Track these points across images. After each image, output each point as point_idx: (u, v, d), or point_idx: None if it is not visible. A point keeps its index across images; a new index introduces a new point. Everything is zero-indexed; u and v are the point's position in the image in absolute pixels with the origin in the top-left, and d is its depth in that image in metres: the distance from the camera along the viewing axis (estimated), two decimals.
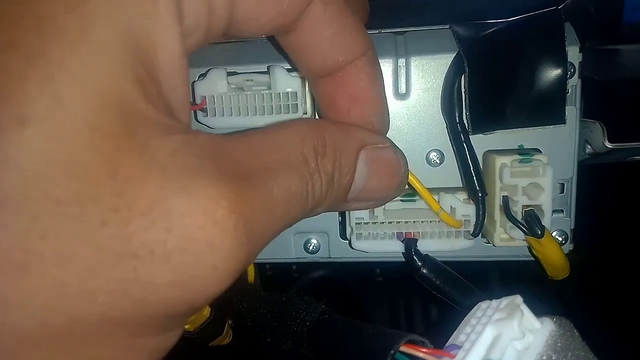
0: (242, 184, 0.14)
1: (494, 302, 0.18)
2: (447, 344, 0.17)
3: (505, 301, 0.18)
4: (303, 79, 0.26)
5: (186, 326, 0.22)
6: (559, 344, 0.17)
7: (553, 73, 0.24)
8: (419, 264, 0.26)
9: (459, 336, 0.17)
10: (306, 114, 0.26)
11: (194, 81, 0.26)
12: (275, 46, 0.26)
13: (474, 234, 0.26)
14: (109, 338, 0.13)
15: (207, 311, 0.23)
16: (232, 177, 0.14)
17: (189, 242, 0.13)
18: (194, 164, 0.14)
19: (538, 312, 0.18)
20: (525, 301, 0.18)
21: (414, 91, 0.26)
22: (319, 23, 0.19)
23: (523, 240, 0.26)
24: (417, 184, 0.25)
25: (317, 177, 0.17)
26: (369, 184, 0.20)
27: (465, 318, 0.18)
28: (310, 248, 0.29)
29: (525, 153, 0.25)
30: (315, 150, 0.17)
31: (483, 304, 0.19)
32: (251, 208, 0.14)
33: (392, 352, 0.17)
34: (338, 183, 0.19)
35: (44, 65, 0.12)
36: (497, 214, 0.26)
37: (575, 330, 0.18)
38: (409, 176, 0.24)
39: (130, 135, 0.13)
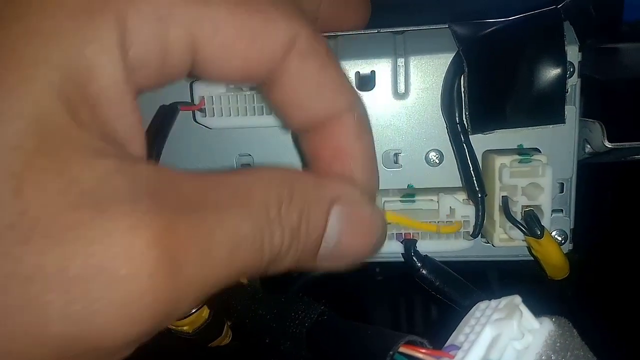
0: (177, 218, 0.13)
1: (493, 302, 0.18)
2: (446, 344, 0.17)
3: (504, 301, 0.18)
4: None
5: (184, 327, 0.22)
6: (558, 344, 0.17)
7: (552, 72, 0.24)
8: (419, 264, 0.26)
9: (458, 336, 0.17)
10: None
11: (193, 82, 0.26)
12: None
13: (474, 235, 0.26)
14: None
15: (205, 312, 0.23)
16: (167, 209, 0.13)
17: (95, 272, 0.12)
18: (122, 190, 0.12)
19: (537, 312, 0.18)
20: (525, 301, 0.18)
21: (413, 91, 0.26)
22: (298, 78, 0.18)
23: (522, 240, 0.26)
24: (408, 222, 0.25)
25: (277, 227, 0.16)
26: (341, 242, 0.18)
27: (464, 318, 0.18)
28: None
29: (524, 153, 0.25)
30: (279, 198, 0.16)
31: (482, 304, 0.18)
32: (182, 245, 0.13)
33: (391, 352, 0.17)
34: (305, 238, 0.17)
35: None
36: (497, 214, 0.26)
37: (575, 330, 0.18)
38: (398, 219, 0.24)
39: (48, 156, 0.12)
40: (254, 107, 0.25)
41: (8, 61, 0.13)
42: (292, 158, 0.27)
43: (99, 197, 0.12)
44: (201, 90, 0.25)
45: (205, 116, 0.25)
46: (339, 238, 0.18)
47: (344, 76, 0.20)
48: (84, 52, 0.13)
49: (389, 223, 0.25)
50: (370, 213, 0.19)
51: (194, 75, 0.17)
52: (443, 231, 0.26)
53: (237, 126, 0.25)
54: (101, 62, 0.14)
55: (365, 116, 0.20)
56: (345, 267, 0.19)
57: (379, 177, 0.22)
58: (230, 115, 0.25)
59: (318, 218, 0.17)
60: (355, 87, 0.26)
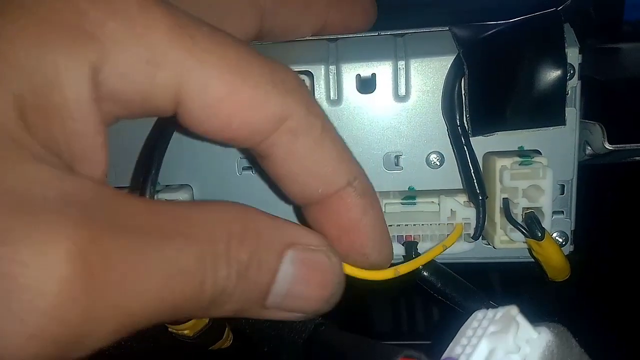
0: (106, 236, 0.12)
1: (490, 313, 0.18)
2: (444, 356, 0.17)
3: (500, 312, 0.18)
4: (303, 82, 0.25)
5: (185, 331, 0.22)
6: (556, 355, 0.17)
7: (553, 75, 0.24)
8: (420, 267, 0.26)
9: (455, 348, 0.17)
10: None
11: None
12: (275, 51, 0.26)
13: (475, 237, 0.26)
14: None
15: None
16: (96, 225, 0.12)
17: (1, 277, 0.11)
18: (51, 198, 0.12)
19: (538, 314, 0.18)
20: (524, 304, 0.18)
21: (414, 93, 0.26)
22: (290, 155, 0.18)
23: (523, 242, 0.26)
24: (412, 265, 0.24)
25: (224, 263, 0.15)
26: (293, 290, 0.17)
27: (461, 329, 0.18)
28: None
29: (525, 155, 0.25)
30: (230, 234, 0.15)
31: (479, 314, 0.18)
32: (106, 265, 0.12)
33: None
34: (254, 280, 0.16)
35: None
36: (498, 216, 0.26)
37: (573, 339, 0.18)
38: (402, 268, 0.23)
39: None
40: None
41: None
42: None
43: (24, 201, 0.11)
44: None
45: None
46: (291, 286, 0.17)
47: (342, 150, 0.19)
48: (52, 61, 0.13)
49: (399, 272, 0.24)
50: (328, 263, 0.18)
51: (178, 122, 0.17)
52: (448, 245, 0.25)
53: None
54: (68, 76, 0.14)
55: (369, 188, 0.20)
56: (295, 319, 0.18)
57: (392, 250, 0.21)
58: None
59: (270, 261, 0.16)
60: (356, 89, 0.26)
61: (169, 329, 0.22)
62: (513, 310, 0.17)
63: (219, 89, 0.16)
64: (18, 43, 0.13)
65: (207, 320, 0.23)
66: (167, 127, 0.23)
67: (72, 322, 0.11)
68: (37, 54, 0.13)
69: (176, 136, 0.25)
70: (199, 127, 0.17)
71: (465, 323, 0.18)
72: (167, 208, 0.14)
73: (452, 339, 0.17)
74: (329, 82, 0.26)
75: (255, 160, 0.19)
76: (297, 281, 0.17)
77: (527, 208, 0.25)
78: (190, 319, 0.22)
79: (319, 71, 0.26)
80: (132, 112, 0.16)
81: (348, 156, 0.19)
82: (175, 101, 0.16)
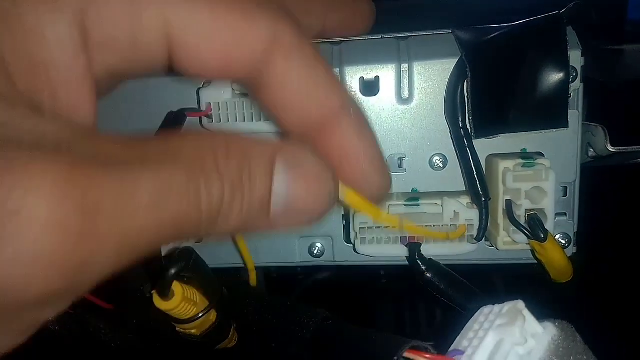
0: (93, 165, 0.12)
1: (497, 307, 0.18)
2: (450, 349, 0.17)
3: (507, 306, 0.18)
4: None
5: (193, 331, 0.23)
6: (561, 349, 0.17)
7: (555, 77, 0.24)
8: (423, 268, 0.26)
9: (462, 341, 0.17)
10: None
11: (199, 88, 0.26)
12: None
13: (478, 238, 0.26)
14: None
15: (213, 316, 0.23)
16: (85, 158, 0.12)
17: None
18: (37, 137, 0.12)
19: (541, 316, 0.18)
20: (529, 304, 0.18)
21: (417, 96, 0.27)
22: (285, 78, 0.18)
23: (526, 244, 0.26)
24: (421, 231, 0.25)
25: (215, 178, 0.15)
26: (293, 194, 0.17)
27: (468, 323, 0.18)
28: (315, 252, 0.29)
29: (528, 157, 0.25)
30: (214, 152, 0.15)
31: (485, 309, 0.19)
32: (96, 190, 0.12)
33: (395, 358, 0.17)
34: (250, 193, 0.16)
35: None
36: (501, 218, 0.26)
37: (578, 335, 0.18)
38: (414, 229, 0.24)
39: None
40: (260, 112, 0.25)
41: None
42: None
43: (7, 140, 0.12)
44: (208, 96, 0.26)
45: (212, 122, 0.26)
46: (289, 192, 0.17)
47: (333, 76, 0.19)
48: (33, 10, 0.14)
49: (404, 231, 0.25)
50: (318, 163, 0.18)
51: (175, 71, 0.17)
52: (452, 237, 0.26)
53: (243, 132, 0.26)
54: (50, 25, 0.14)
55: (362, 114, 0.20)
56: (305, 224, 0.18)
57: (390, 175, 0.21)
58: (236, 120, 0.26)
59: (261, 172, 0.16)
60: (359, 92, 0.27)
61: (177, 329, 0.23)
62: (520, 304, 0.18)
63: (208, 18, 0.16)
64: None
65: (213, 320, 0.23)
66: (176, 122, 0.23)
67: (78, 250, 0.12)
68: (16, 4, 0.14)
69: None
70: (196, 65, 0.17)
71: (472, 318, 0.18)
72: (151, 138, 0.15)
73: (458, 335, 0.18)
74: None
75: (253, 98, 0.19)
76: (294, 184, 0.17)
77: (530, 210, 0.25)
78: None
79: None
80: (124, 59, 0.16)
81: (339, 83, 0.19)
82: (167, 42, 0.16)
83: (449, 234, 0.26)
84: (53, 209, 0.11)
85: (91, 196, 0.12)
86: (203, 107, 0.26)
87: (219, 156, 0.15)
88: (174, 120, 0.24)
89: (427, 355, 0.17)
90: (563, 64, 0.24)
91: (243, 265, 0.29)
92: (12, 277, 0.11)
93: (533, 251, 0.26)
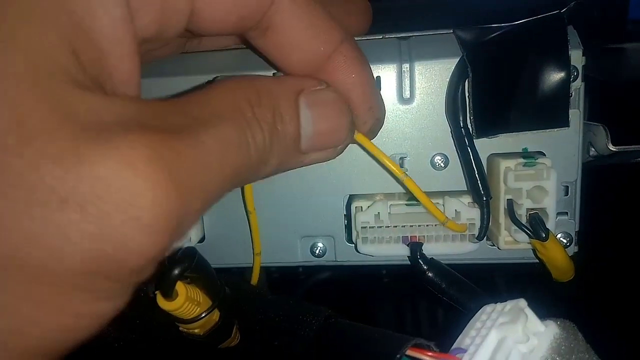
0: (168, 135, 0.14)
1: (499, 306, 0.19)
2: (453, 347, 0.17)
3: (509, 305, 0.18)
4: None
5: (196, 330, 0.23)
6: (562, 347, 0.17)
7: (556, 77, 0.24)
8: (425, 267, 0.26)
9: (464, 340, 0.18)
10: None
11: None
12: None
13: (479, 238, 0.26)
14: (28, 292, 0.13)
15: (216, 315, 0.23)
16: (157, 129, 0.14)
17: (104, 190, 0.12)
18: (115, 117, 0.13)
19: (543, 315, 0.18)
20: (530, 303, 0.18)
21: (418, 95, 0.27)
22: (290, 17, 0.19)
23: (528, 243, 0.26)
24: (422, 197, 0.25)
25: (257, 126, 0.17)
26: (318, 128, 0.19)
27: (470, 322, 0.18)
28: (317, 252, 0.29)
29: (529, 156, 0.26)
30: (249, 101, 0.17)
31: (488, 308, 0.19)
32: (178, 156, 0.14)
33: (398, 356, 0.17)
34: (283, 132, 0.18)
35: None
36: (502, 217, 0.26)
37: (579, 333, 0.18)
38: (414, 186, 0.24)
39: (47, 89, 0.13)
40: None
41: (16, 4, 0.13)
42: None
43: (94, 124, 0.13)
44: None
45: None
46: (314, 124, 0.19)
47: (330, 14, 0.20)
48: None
49: (405, 183, 0.25)
50: (335, 95, 0.20)
51: (190, 30, 0.18)
52: (451, 228, 0.26)
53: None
54: (102, 3, 0.15)
55: (358, 47, 0.21)
56: (331, 156, 0.21)
57: (383, 103, 0.23)
58: None
59: (289, 110, 0.18)
60: None
61: (180, 328, 0.23)
62: (522, 302, 0.18)
63: None
64: None
65: (217, 319, 0.23)
66: None
67: (174, 209, 0.13)
68: None
69: None
70: (214, 19, 0.18)
71: (474, 316, 0.18)
72: (194, 99, 0.16)
73: (460, 334, 0.18)
74: None
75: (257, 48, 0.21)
76: (318, 119, 0.19)
77: (532, 209, 0.25)
78: (201, 319, 0.22)
79: None
80: (152, 27, 0.17)
81: (335, 20, 0.21)
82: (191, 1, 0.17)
83: (449, 222, 0.26)
84: (154, 182, 0.13)
85: (177, 164, 0.14)
86: None
87: (253, 104, 0.17)
88: None
89: (430, 353, 0.17)
90: (564, 63, 0.24)
91: (246, 266, 0.29)
92: (129, 241, 0.13)
93: (534, 250, 0.26)
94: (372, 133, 0.24)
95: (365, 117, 0.22)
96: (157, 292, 0.21)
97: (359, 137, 0.23)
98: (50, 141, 0.12)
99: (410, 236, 0.27)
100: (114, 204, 0.12)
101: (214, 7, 0.18)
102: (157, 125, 0.14)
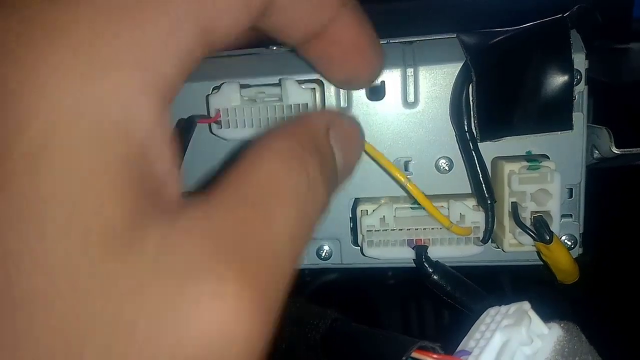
0: (240, 254, 0.13)
1: (503, 308, 0.19)
2: (457, 349, 0.18)
3: (513, 307, 0.19)
4: (314, 90, 0.26)
5: None
6: (566, 349, 0.17)
7: (560, 80, 0.25)
8: (430, 270, 0.26)
9: (469, 342, 0.18)
10: None
11: (208, 94, 0.26)
12: (287, 59, 0.27)
13: (484, 241, 0.27)
14: None
15: None
16: (234, 254, 0.13)
17: (205, 335, 0.12)
18: (201, 249, 0.12)
19: (547, 317, 0.18)
20: (534, 305, 0.19)
21: (423, 100, 0.27)
22: None
23: (532, 245, 0.26)
24: (426, 203, 0.25)
25: (319, 188, 0.16)
26: (347, 160, 0.19)
27: (474, 324, 0.18)
28: (323, 254, 0.29)
29: (533, 159, 0.26)
30: (300, 165, 0.16)
31: (492, 310, 0.19)
32: (257, 274, 0.13)
33: (403, 358, 0.18)
34: (331, 177, 0.17)
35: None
36: (506, 220, 0.26)
37: (583, 335, 0.18)
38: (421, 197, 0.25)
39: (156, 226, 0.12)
40: (268, 118, 0.26)
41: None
42: None
43: (184, 262, 0.12)
44: (216, 102, 0.26)
45: (221, 128, 0.26)
46: (344, 159, 0.19)
47: None
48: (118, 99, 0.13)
49: (408, 188, 0.26)
50: (355, 126, 0.21)
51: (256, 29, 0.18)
52: (456, 232, 0.26)
53: (252, 137, 0.26)
54: (136, 103, 0.13)
55: (357, 5, 0.21)
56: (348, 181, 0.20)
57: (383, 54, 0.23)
58: (245, 126, 0.26)
59: (328, 151, 0.18)
60: (365, 97, 0.27)
61: None
62: (525, 305, 0.18)
63: None
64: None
65: None
66: (183, 139, 0.24)
67: (263, 329, 0.13)
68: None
69: (191, 145, 0.26)
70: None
71: (479, 319, 0.18)
72: (242, 183, 0.15)
73: (465, 336, 0.18)
74: (339, 90, 0.27)
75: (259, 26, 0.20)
76: (346, 154, 0.19)
77: (536, 212, 0.25)
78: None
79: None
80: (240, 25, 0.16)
81: None
82: None
83: (453, 226, 0.26)
84: (242, 312, 0.12)
85: (259, 286, 0.13)
86: (212, 114, 0.26)
87: (303, 170, 0.16)
88: (185, 127, 0.25)
89: (435, 356, 0.18)
90: (567, 67, 0.24)
91: None
92: None
93: (539, 253, 0.27)
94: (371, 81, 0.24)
95: (368, 72, 0.22)
96: None
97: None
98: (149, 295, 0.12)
99: (416, 239, 0.27)
100: (216, 351, 0.12)
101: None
102: (228, 243, 0.13)
